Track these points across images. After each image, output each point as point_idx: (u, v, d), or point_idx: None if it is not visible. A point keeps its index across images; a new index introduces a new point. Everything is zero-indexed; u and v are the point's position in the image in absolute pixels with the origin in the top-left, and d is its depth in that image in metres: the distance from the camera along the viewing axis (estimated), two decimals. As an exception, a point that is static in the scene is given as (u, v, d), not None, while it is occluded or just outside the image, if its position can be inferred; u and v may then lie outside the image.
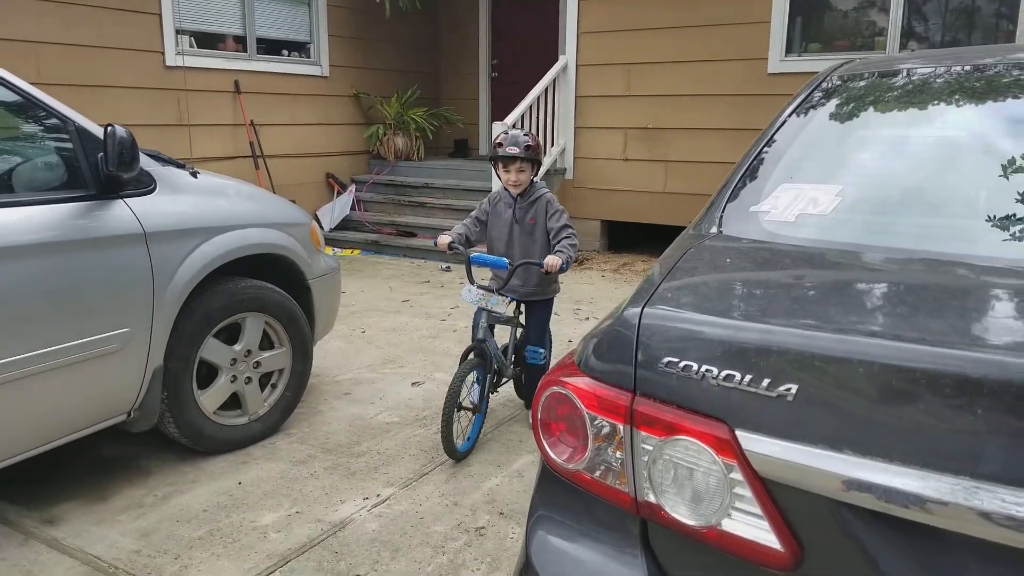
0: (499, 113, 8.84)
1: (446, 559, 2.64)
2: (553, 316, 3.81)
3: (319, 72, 8.32)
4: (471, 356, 3.45)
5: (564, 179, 8.29)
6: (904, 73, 2.15)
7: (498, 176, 3.52)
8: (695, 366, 1.15)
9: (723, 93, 7.50)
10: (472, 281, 3.46)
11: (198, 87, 7.08)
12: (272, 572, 2.56)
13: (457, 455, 3.37)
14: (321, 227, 8.30)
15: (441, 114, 9.23)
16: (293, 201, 7.72)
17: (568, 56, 8.10)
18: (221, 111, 7.33)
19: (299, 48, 8.23)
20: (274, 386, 3.57)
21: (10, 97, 2.64)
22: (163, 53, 6.76)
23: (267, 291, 3.42)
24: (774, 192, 1.72)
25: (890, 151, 1.83)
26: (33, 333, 2.54)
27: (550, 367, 3.50)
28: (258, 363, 3.44)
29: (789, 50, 7.31)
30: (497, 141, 3.46)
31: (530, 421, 3.76)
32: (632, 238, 8.34)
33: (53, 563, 2.59)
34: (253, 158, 7.54)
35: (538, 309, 3.68)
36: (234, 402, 3.42)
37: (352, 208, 8.43)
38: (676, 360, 1.17)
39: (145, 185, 2.94)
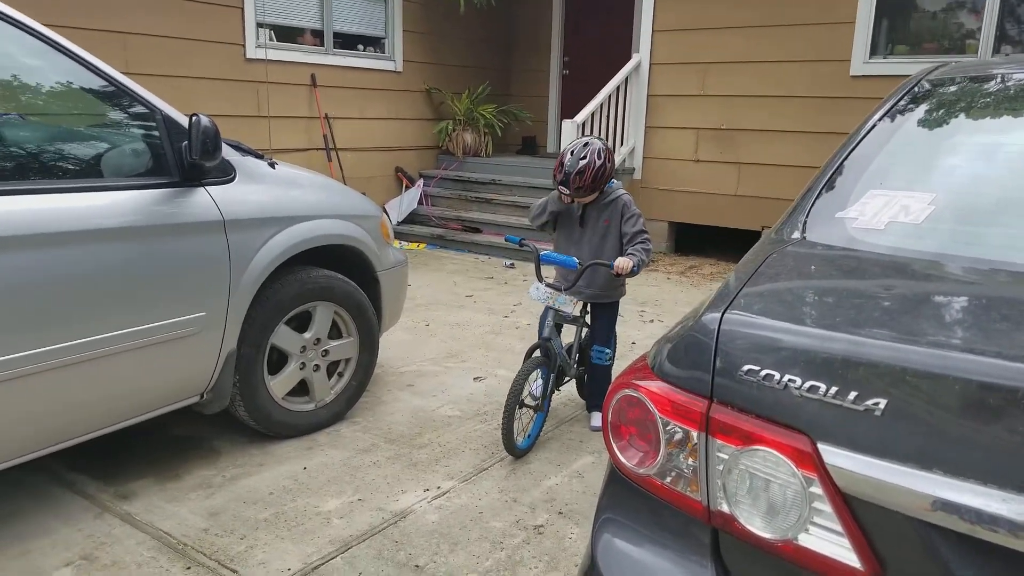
0: (569, 111, 8.81)
1: (504, 555, 2.65)
2: (619, 318, 3.79)
3: (392, 67, 8.42)
4: (536, 354, 3.43)
5: (632, 179, 8.20)
6: (999, 78, 2.06)
7: None
8: (777, 375, 1.12)
9: (801, 95, 7.32)
10: (540, 279, 3.43)
11: (276, 80, 7.25)
12: (333, 557, 2.60)
13: (517, 452, 3.37)
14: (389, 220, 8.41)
15: (510, 111, 9.25)
16: (364, 194, 7.89)
17: (642, 54, 8.02)
18: (297, 104, 7.48)
19: (374, 43, 8.35)
20: (341, 375, 3.63)
21: (101, 85, 2.73)
22: (244, 46, 6.93)
23: (337, 281, 3.48)
24: (862, 198, 1.67)
25: (985, 159, 1.75)
26: (115, 314, 2.63)
27: (614, 368, 3.59)
28: (326, 351, 3.50)
29: (874, 52, 7.08)
30: (558, 161, 3.35)
31: (591, 423, 3.76)
32: (700, 241, 8.22)
33: (125, 536, 2.68)
34: (326, 150, 7.68)
35: (604, 310, 3.66)
36: (302, 388, 3.49)
37: (419, 202, 8.51)
38: (757, 368, 1.14)
39: (225, 174, 3.02)
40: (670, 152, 8.02)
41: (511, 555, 2.65)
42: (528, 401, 3.43)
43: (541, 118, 9.95)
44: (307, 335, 3.41)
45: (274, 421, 3.35)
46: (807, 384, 1.09)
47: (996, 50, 6.64)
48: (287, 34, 7.47)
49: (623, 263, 3.24)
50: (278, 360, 3.38)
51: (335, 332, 3.58)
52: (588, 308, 3.67)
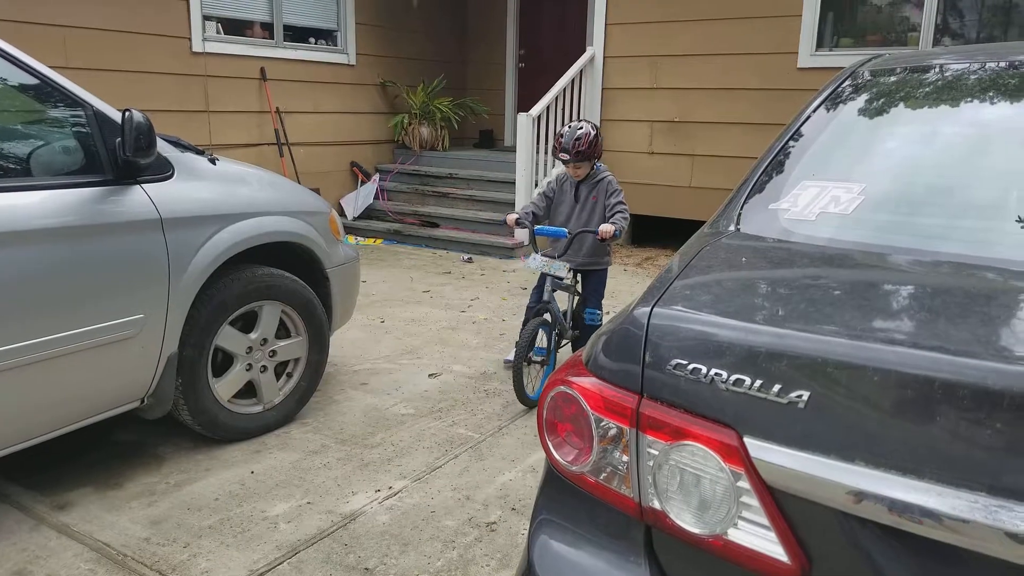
0: (525, 104, 8.78)
1: (456, 554, 2.62)
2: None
3: (345, 60, 8.31)
4: (537, 317, 3.87)
5: (589, 172, 8.20)
6: (936, 69, 2.07)
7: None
8: (704, 369, 1.10)
9: (752, 87, 7.38)
10: (536, 250, 3.92)
11: (224, 73, 7.10)
12: (280, 563, 2.55)
13: (529, 403, 3.82)
14: (344, 216, 8.31)
15: (467, 104, 9.19)
16: (316, 190, 7.78)
17: (595, 48, 8.02)
18: (247, 98, 7.34)
19: (326, 36, 8.23)
20: (290, 375, 3.57)
21: (28, 80, 2.63)
22: (190, 39, 6.78)
23: (284, 280, 3.41)
24: (795, 189, 1.66)
25: (917, 149, 1.75)
26: (47, 318, 2.54)
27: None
28: (274, 352, 3.43)
29: (820, 44, 7.17)
30: (557, 136, 3.96)
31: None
32: (657, 232, 8.25)
33: (62, 549, 2.60)
34: (278, 145, 7.56)
35: (593, 277, 4.17)
36: (249, 390, 3.42)
37: (376, 197, 8.43)
38: (685, 362, 1.12)
39: (163, 171, 2.93)
40: (625, 145, 8.04)
41: (463, 554, 2.62)
42: (534, 358, 3.89)
43: (498, 111, 9.90)
44: (253, 335, 3.34)
45: (220, 424, 3.28)
46: (733, 378, 1.07)
47: (936, 42, 6.76)
48: (235, 27, 7.32)
49: (606, 228, 3.75)
50: (223, 362, 3.30)
51: (283, 332, 3.51)
52: (579, 277, 4.16)
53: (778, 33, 7.20)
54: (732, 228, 1.61)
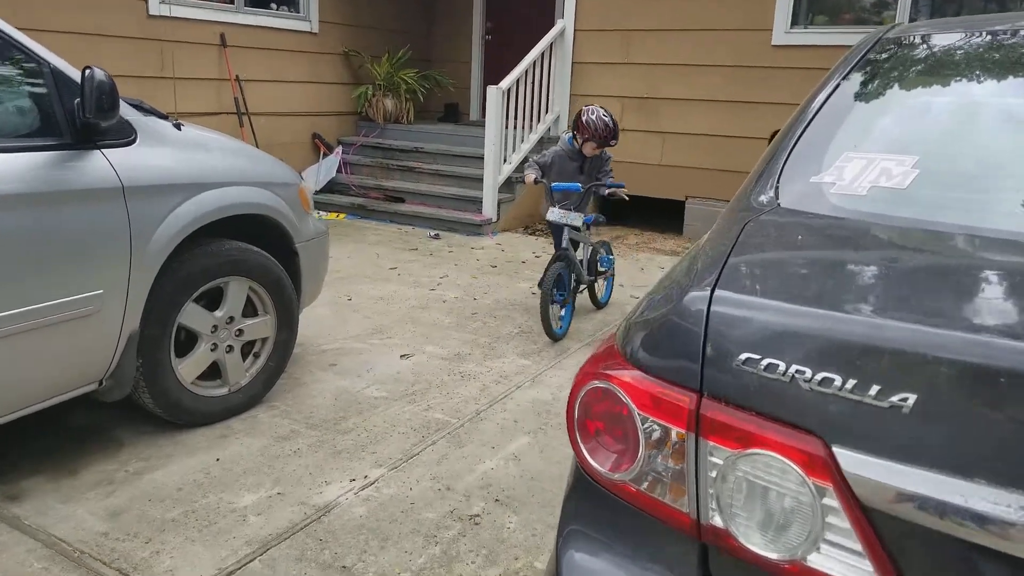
0: (492, 77, 8.54)
1: (439, 550, 2.47)
2: (530, 294, 4.50)
3: (308, 28, 7.99)
4: (558, 262, 4.41)
5: (558, 148, 8.05)
6: (969, 36, 1.96)
7: (577, 141, 4.58)
8: (782, 365, 0.95)
9: (725, 64, 7.28)
10: (554, 204, 4.49)
11: (182, 39, 6.75)
12: (250, 560, 2.37)
13: (556, 336, 4.45)
14: (306, 189, 8.02)
15: (432, 76, 8.93)
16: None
17: (566, 20, 7.83)
18: (206, 65, 7.00)
19: (288, 2, 7.89)
20: (257, 355, 3.37)
21: (-28, 32, 2.38)
22: (147, 2, 6.41)
23: (252, 254, 3.20)
24: (837, 161, 1.53)
25: (968, 120, 1.63)
26: (-5, 294, 2.31)
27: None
28: (240, 331, 3.23)
29: (795, 22, 7.09)
30: (598, 131, 4.47)
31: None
32: (623, 211, 8.12)
33: (13, 543, 2.39)
34: (238, 115, 7.23)
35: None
36: (214, 371, 3.21)
37: (338, 170, 8.15)
38: (757, 357, 0.98)
39: (125, 135, 2.70)
40: (596, 121, 7.87)
41: (446, 550, 2.48)
42: (556, 298, 4.44)
43: (464, 85, 9.66)
44: (219, 313, 3.13)
45: (183, 408, 3.07)
46: (819, 376, 0.93)
47: (912, 19, 6.73)
48: (192, -11, 6.96)
49: (617, 189, 4.64)
50: (187, 341, 3.09)
51: (250, 309, 3.30)
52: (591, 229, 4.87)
53: (753, 9, 7.10)
54: (771, 202, 1.47)
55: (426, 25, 9.76)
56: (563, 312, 4.54)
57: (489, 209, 7.29)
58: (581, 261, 4.69)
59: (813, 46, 6.96)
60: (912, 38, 1.97)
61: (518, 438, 3.29)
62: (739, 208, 1.48)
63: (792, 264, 1.22)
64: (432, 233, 7.17)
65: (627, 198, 4.73)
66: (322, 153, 8.23)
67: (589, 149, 4.56)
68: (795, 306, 1.02)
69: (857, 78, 1.83)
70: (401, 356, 4.12)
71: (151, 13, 6.45)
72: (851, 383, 0.91)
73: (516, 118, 7.42)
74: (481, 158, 7.32)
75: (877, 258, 1.24)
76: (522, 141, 7.58)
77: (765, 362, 0.97)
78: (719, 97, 7.33)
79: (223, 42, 7.07)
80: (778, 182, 1.53)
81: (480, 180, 7.32)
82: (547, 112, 7.85)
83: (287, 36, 7.76)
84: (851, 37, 6.94)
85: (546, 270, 4.40)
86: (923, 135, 1.61)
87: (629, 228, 7.95)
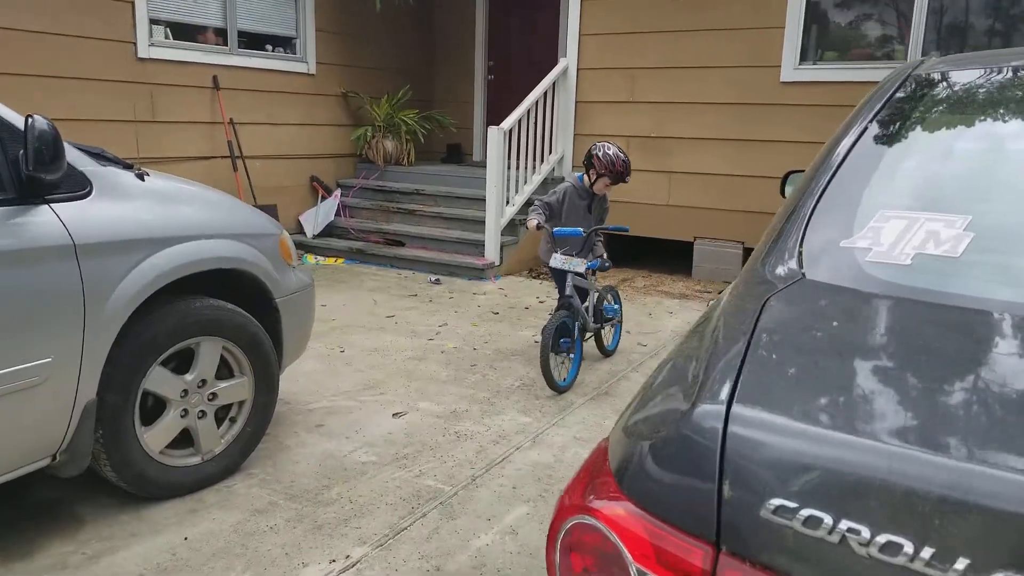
0: (495, 117, 8.40)
1: (424, 647, 2.19)
2: (533, 343, 4.87)
3: (305, 69, 7.86)
4: (562, 309, 4.29)
5: (562, 188, 7.85)
6: (1002, 72, 1.72)
7: (589, 178, 4.57)
8: (828, 520, 0.70)
9: (732, 102, 7.10)
10: (556, 250, 4.36)
11: (173, 82, 6.61)
12: (211, 665, 2.10)
13: (559, 388, 4.21)
14: (304, 233, 7.83)
15: (434, 117, 8.78)
16: (273, 206, 7.30)
17: (568, 59, 7.68)
18: (198, 108, 6.85)
19: (284, 43, 7.78)
20: (233, 420, 3.11)
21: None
22: (135, 43, 6.28)
23: (226, 312, 2.97)
24: (871, 221, 1.29)
25: (1021, 170, 1.39)
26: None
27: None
28: (214, 395, 2.98)
29: (804, 58, 6.91)
30: (616, 168, 4.48)
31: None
32: (633, 252, 7.91)
33: (-59, 649, 2.12)
34: (231, 159, 7.07)
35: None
36: (186, 439, 2.96)
37: (337, 214, 7.96)
38: (793, 506, 0.72)
39: (78, 188, 2.48)
40: (600, 160, 7.68)
41: (432, 647, 2.20)
42: (562, 346, 4.28)
43: (466, 125, 9.51)
44: (189, 377, 2.89)
45: (149, 480, 2.82)
46: (881, 539, 0.67)
47: (924, 55, 6.53)
48: (185, 32, 6.84)
49: (601, 249, 4.70)
50: (155, 407, 2.85)
51: (225, 371, 3.06)
52: (596, 274, 4.65)
53: (760, 45, 6.94)
54: (793, 271, 1.23)
55: (427, 65, 9.65)
56: (569, 362, 4.36)
57: (491, 252, 7.07)
58: (587, 308, 4.54)
59: (823, 82, 6.79)
60: (948, 74, 1.73)
61: (516, 508, 3.02)
62: (755, 279, 1.23)
63: (833, 366, 0.96)
64: (433, 278, 6.94)
65: (610, 264, 4.69)
66: (320, 196, 8.05)
67: (602, 185, 4.54)
68: (844, 435, 0.76)
69: (888, 120, 1.60)
70: (394, 414, 3.86)
71: (140, 56, 6.32)
72: (928, 553, 0.65)
73: (519, 158, 7.23)
74: (483, 200, 7.11)
75: (947, 357, 0.97)
76: (525, 182, 7.38)
77: (804, 514, 0.71)
78: (727, 135, 7.14)
79: (216, 84, 6.93)
80: (801, 246, 1.29)
81: (482, 223, 7.11)
82: (551, 152, 7.67)
83: (283, 78, 7.63)
84: (862, 73, 6.84)
85: (551, 318, 4.25)
86: (972, 189, 1.36)
87: (637, 270, 7.70)
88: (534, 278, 7.27)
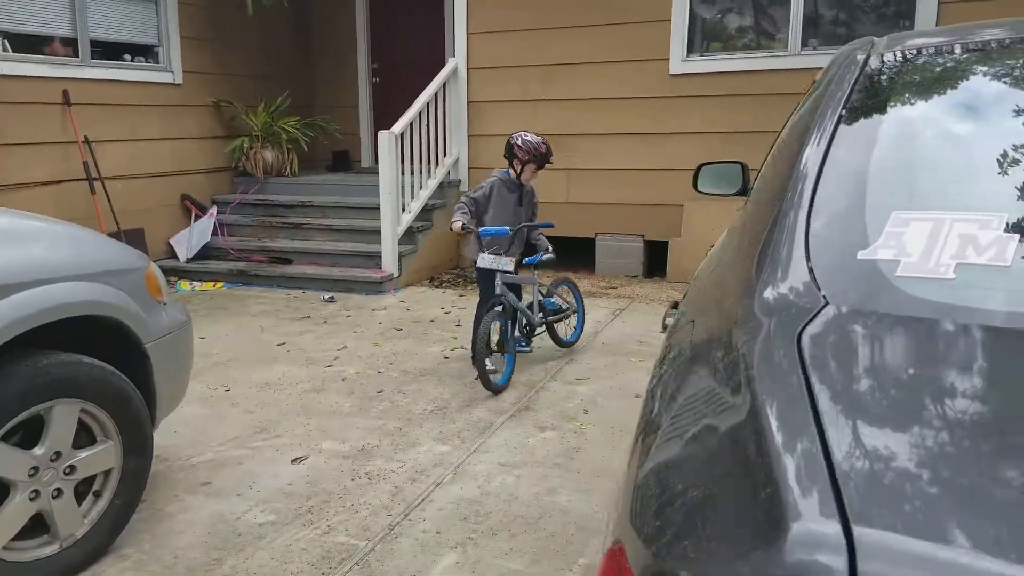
0: (383, 122, 7.98)
1: None
2: (460, 351, 4.86)
3: (170, 79, 7.22)
4: (493, 309, 4.20)
5: (459, 191, 7.53)
6: (973, 47, 1.51)
7: (515, 170, 4.56)
8: None
9: (626, 96, 7.00)
10: (483, 250, 4.35)
11: (15, 99, 5.88)
12: None
13: (496, 389, 4.17)
14: (177, 258, 7.19)
15: (316, 124, 8.26)
16: (140, 230, 6.65)
17: (458, 59, 7.38)
18: (46, 127, 6.13)
19: (145, 52, 7.12)
20: (97, 494, 2.62)
21: None
22: (-33, 56, 5.56)
23: (83, 367, 2.49)
24: (887, 226, 1.02)
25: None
26: None
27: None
28: (72, 467, 2.49)
29: (691, 50, 6.87)
30: (540, 152, 4.50)
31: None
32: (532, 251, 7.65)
33: None
34: (88, 181, 6.37)
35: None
36: (40, 524, 2.46)
37: (214, 233, 7.33)
38: None
39: None
40: (496, 162, 7.31)
41: None
42: (494, 347, 4.23)
43: (352, 130, 9.04)
44: (39, 451, 2.40)
45: (-8, 583, 2.32)
46: None
47: (804, 45, 6.60)
48: (28, 43, 6.12)
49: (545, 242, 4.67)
50: (-3, 491, 2.35)
51: (85, 436, 2.57)
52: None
53: (648, 39, 6.87)
54: (812, 298, 0.94)
55: (307, 69, 9.11)
56: (505, 361, 4.34)
57: (389, 264, 6.66)
58: (530, 305, 4.56)
59: (711, 73, 6.78)
60: (914, 53, 1.50)
61: (443, 556, 2.67)
62: (758, 308, 0.94)
63: (952, 443, 0.68)
64: (326, 296, 6.47)
65: (552, 255, 4.62)
66: (194, 216, 7.41)
67: (529, 173, 4.54)
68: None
69: (863, 108, 1.35)
70: (292, 460, 3.43)
71: (-26, 71, 5.60)
72: None
73: (412, 163, 6.86)
74: (377, 208, 6.70)
75: None
76: (421, 187, 7.01)
77: None
78: (623, 130, 7.04)
79: (67, 100, 6.22)
80: (809, 261, 1.01)
81: (378, 232, 6.70)
82: (445, 155, 7.35)
83: (145, 89, 6.97)
84: (747, 63, 6.82)
85: (477, 320, 4.24)
86: (989, 180, 1.13)
87: (541, 269, 7.45)
88: (437, 287, 6.92)
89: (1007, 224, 0.98)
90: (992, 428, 0.71)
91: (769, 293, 1.00)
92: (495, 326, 4.20)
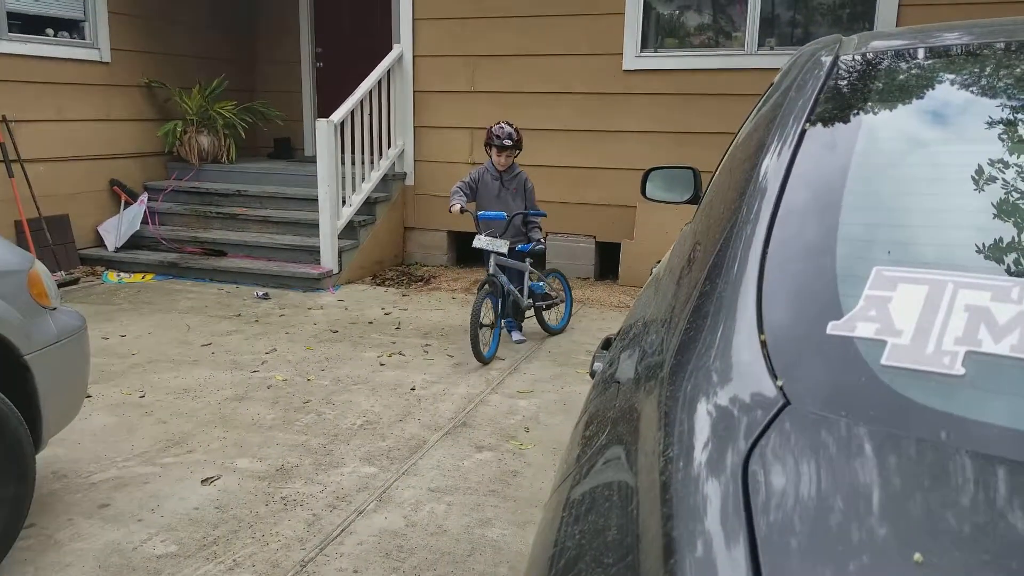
0: (326, 108, 7.65)
1: None
2: (398, 357, 4.72)
3: (97, 57, 6.79)
4: (485, 287, 4.55)
5: (404, 185, 7.25)
6: (961, 50, 1.32)
7: (490, 157, 4.88)
8: None
9: (577, 91, 6.78)
10: (480, 231, 4.68)
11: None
12: None
13: (485, 360, 4.51)
14: (105, 247, 6.78)
15: (256, 108, 7.89)
16: (64, 216, 6.23)
17: (403, 45, 7.07)
18: (-44, 103, 5.70)
19: (70, 27, 6.67)
20: (-34, 529, 2.33)
21: None
22: None
23: (-54, 384, 2.18)
24: (866, 288, 0.81)
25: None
26: None
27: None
28: (-68, 499, 2.19)
29: (645, 45, 6.66)
30: (495, 134, 4.80)
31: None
32: (478, 252, 7.41)
33: None
34: (5, 163, 5.94)
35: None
36: None
37: (144, 222, 6.94)
38: None
39: None
40: (443, 154, 7.14)
41: None
42: (485, 322, 4.53)
43: (295, 117, 8.67)
44: None
45: None
46: None
47: (761, 43, 6.45)
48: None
49: (538, 234, 4.93)
50: None
51: (-50, 463, 2.27)
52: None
53: (602, 32, 6.64)
54: (766, 397, 0.72)
55: (247, 51, 8.71)
56: (492, 335, 4.68)
57: (328, 259, 6.36)
58: (520, 289, 4.86)
59: (665, 70, 6.59)
60: (890, 57, 1.30)
61: (362, 594, 2.43)
62: (680, 402, 0.72)
63: None
64: (260, 292, 6.14)
65: (543, 246, 4.97)
66: (123, 203, 7.00)
67: (496, 157, 4.81)
68: None
69: (830, 121, 1.14)
70: (203, 481, 3.14)
71: None
72: None
73: (355, 153, 6.55)
74: (318, 199, 6.38)
75: None
76: (363, 179, 6.71)
77: None
78: (574, 126, 6.81)
79: (-20, 76, 5.80)
80: (761, 328, 0.80)
81: (317, 226, 6.38)
82: (390, 146, 7.05)
83: (70, 67, 6.54)
84: (703, 60, 6.63)
85: (477, 296, 4.55)
86: (1003, 220, 0.91)
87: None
88: (379, 285, 6.63)
89: (1022, 293, 0.77)
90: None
91: (705, 379, 0.78)
92: (487, 304, 4.55)
